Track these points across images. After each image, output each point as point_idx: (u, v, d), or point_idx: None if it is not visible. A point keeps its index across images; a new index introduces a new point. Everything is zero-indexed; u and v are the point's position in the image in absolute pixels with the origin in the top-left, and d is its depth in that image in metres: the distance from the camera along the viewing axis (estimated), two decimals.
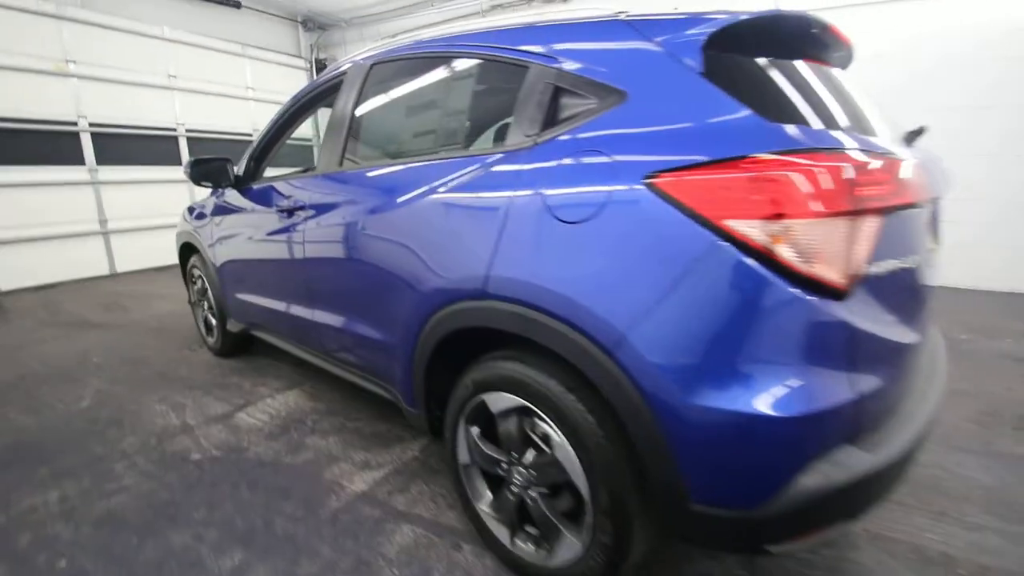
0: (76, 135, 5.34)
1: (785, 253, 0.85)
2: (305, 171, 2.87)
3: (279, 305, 2.29)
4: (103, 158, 5.55)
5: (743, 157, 0.87)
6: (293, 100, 2.33)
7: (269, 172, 2.65)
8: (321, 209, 1.86)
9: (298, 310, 2.14)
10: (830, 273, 0.87)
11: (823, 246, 0.86)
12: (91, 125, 5.42)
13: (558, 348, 1.09)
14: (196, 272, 3.11)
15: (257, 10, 7.10)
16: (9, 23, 4.83)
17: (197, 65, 6.34)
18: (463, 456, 1.43)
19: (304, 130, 7.92)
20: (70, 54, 5.21)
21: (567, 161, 1.11)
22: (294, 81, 7.69)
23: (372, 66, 1.84)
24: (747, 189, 0.86)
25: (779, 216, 0.85)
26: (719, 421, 0.90)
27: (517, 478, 1.28)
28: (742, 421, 0.88)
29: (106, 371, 2.93)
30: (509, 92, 1.35)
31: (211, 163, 2.47)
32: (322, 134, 2.37)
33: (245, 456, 2.01)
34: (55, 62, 5.12)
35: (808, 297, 0.86)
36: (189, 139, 6.32)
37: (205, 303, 3.13)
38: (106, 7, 5.57)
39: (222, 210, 2.67)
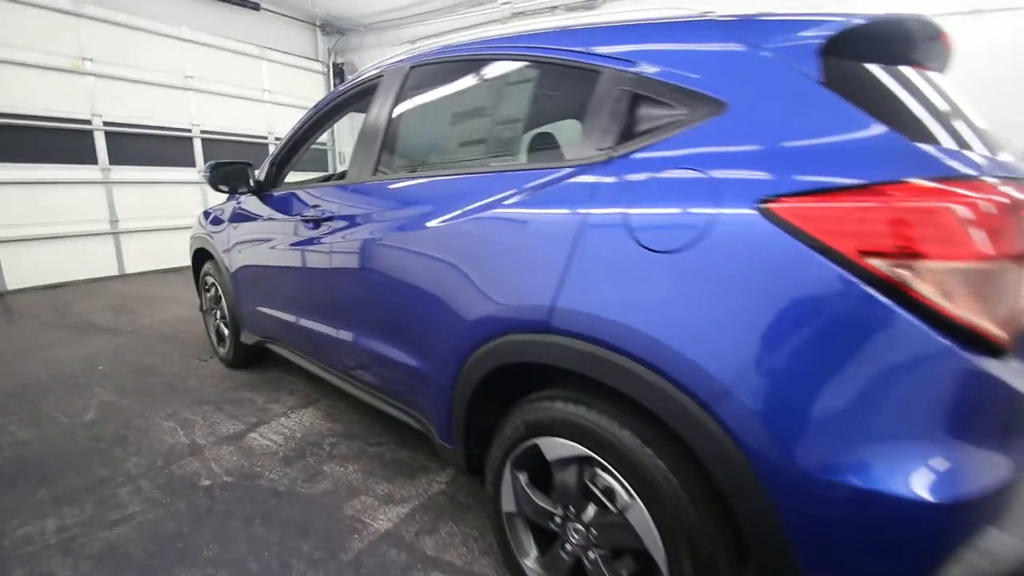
0: (90, 134, 5.26)
1: (937, 297, 0.71)
2: (327, 179, 2.77)
3: (299, 320, 2.15)
4: (116, 158, 5.46)
5: (892, 183, 0.73)
6: (321, 104, 2.21)
7: (290, 178, 2.53)
8: (352, 221, 1.72)
9: (320, 327, 2.00)
10: (990, 323, 0.72)
11: (984, 290, 0.71)
12: (105, 124, 5.34)
13: (638, 396, 0.94)
14: (210, 279, 2.98)
15: (276, 12, 7.04)
16: (26, 19, 4.76)
17: (214, 66, 6.27)
18: (507, 504, 1.28)
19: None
20: (86, 52, 5.15)
21: (653, 178, 0.96)
22: (311, 85, 7.63)
23: (411, 69, 1.71)
24: (897, 222, 0.71)
25: (933, 255, 0.70)
26: (847, 500, 0.75)
27: (574, 536, 1.13)
28: (879, 502, 0.73)
29: (113, 380, 2.80)
30: (574, 100, 1.22)
31: (231, 167, 2.35)
32: (338, 140, 2.26)
33: (259, 484, 1.86)
34: (71, 59, 5.04)
35: (963, 352, 0.71)
36: (204, 141, 6.24)
37: (218, 312, 3.00)
38: (124, 5, 5.51)
39: (240, 216, 2.55)
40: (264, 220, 2.35)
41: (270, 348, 2.58)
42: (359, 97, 2.06)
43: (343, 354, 1.91)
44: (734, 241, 0.83)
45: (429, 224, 1.40)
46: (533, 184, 1.18)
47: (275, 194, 2.36)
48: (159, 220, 5.92)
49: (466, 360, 1.30)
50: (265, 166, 2.45)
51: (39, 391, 2.66)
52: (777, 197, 0.80)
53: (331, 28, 7.66)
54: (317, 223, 1.89)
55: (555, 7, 5.85)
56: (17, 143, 4.77)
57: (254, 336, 2.65)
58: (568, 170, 1.13)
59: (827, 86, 0.85)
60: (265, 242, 2.33)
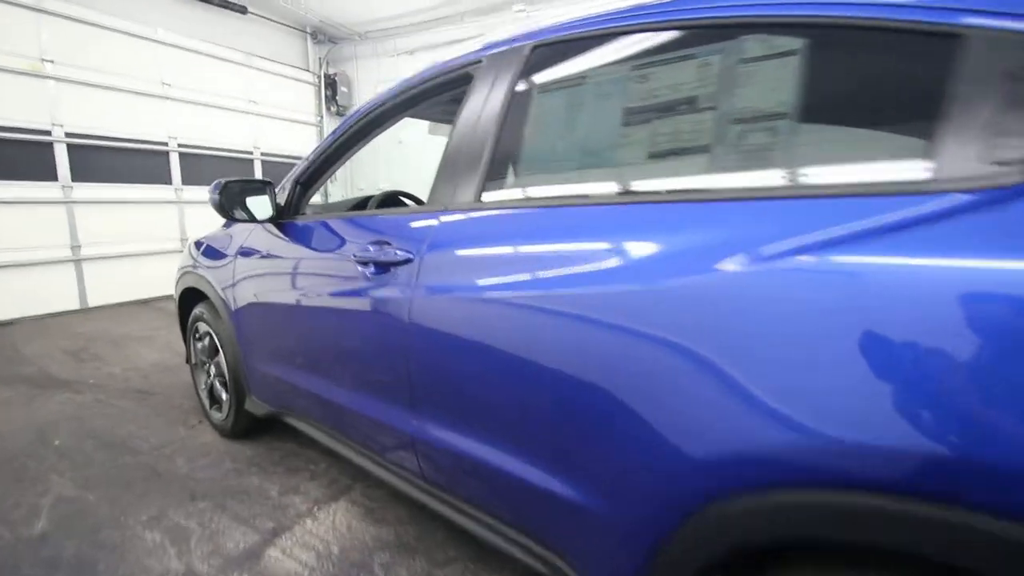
0: (49, 146, 4.56)
1: None
2: (361, 205, 2.20)
3: (345, 398, 1.57)
4: (80, 174, 4.76)
5: None
6: (367, 108, 1.66)
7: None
8: (458, 267, 1.17)
9: (380, 411, 1.43)
10: None
11: None
12: (68, 135, 4.65)
13: None
14: (203, 327, 2.36)
15: (264, 17, 6.46)
16: None
17: (195, 73, 5.63)
18: None
19: (303, 145, 7.25)
20: (47, 52, 4.48)
21: None
22: (301, 96, 7.03)
23: (535, 49, 1.19)
24: None
25: None
26: None
27: None
28: None
29: (74, 462, 2.14)
30: (899, 83, 0.72)
31: (247, 186, 1.77)
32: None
33: None
34: (29, 60, 4.36)
35: None
36: (182, 155, 5.57)
37: (212, 368, 2.38)
38: (93, 2, 4.86)
39: (252, 250, 1.96)
40: (288, 257, 1.78)
41: (289, 423, 1.98)
42: (430, 96, 1.53)
43: (418, 452, 1.34)
44: None
45: (623, 279, 0.87)
46: (874, 221, 0.66)
47: (301, 223, 1.79)
48: (128, 245, 5.20)
49: (691, 513, 0.77)
50: (286, 186, 1.89)
51: None
52: None
53: (323, 36, 7.11)
54: (384, 267, 1.33)
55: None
56: None
57: (265, 405, 2.04)
58: (945, 199, 0.62)
59: None
60: (289, 285, 1.75)
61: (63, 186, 4.67)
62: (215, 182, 1.72)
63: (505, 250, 1.10)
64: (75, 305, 4.91)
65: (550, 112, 1.19)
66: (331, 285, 1.54)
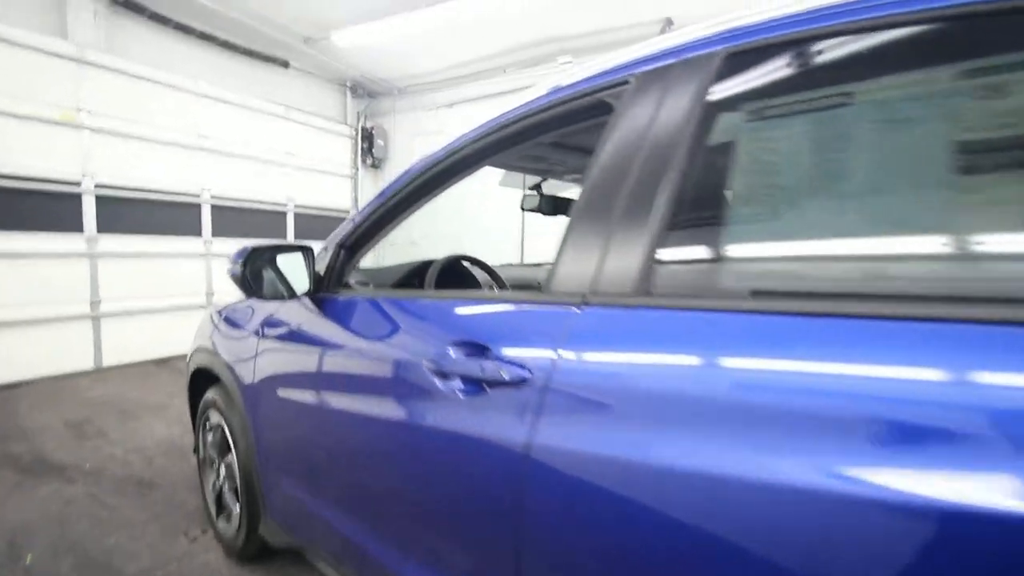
0: (77, 197, 4.36)
1: None
2: (419, 272, 1.78)
3: (400, 555, 1.08)
4: (106, 225, 4.53)
5: None
6: (439, 157, 1.25)
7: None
8: (606, 401, 0.71)
9: None
10: None
11: None
12: (97, 186, 4.45)
13: None
14: (214, 417, 1.92)
15: (305, 71, 6.41)
16: (16, 62, 3.97)
17: (232, 125, 5.50)
18: None
19: (337, 198, 7.05)
20: (84, 102, 4.34)
21: None
22: (338, 149, 6.89)
23: (730, 57, 0.76)
24: None
25: None
26: None
27: None
28: None
29: None
30: None
31: (278, 255, 1.36)
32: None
33: None
34: (63, 110, 4.22)
35: None
36: (214, 207, 5.35)
37: (223, 468, 1.92)
38: (135, 54, 4.79)
39: (279, 330, 1.53)
40: (327, 345, 1.34)
41: (313, 564, 1.49)
42: (529, 138, 1.12)
43: None
44: None
45: None
46: None
47: (345, 298, 1.37)
48: (151, 300, 4.90)
49: None
50: (328, 250, 1.48)
51: None
52: None
53: (362, 90, 7.04)
54: (478, 384, 0.87)
55: None
56: None
57: (284, 534, 1.56)
58: None
59: None
60: (327, 385, 1.31)
61: (88, 238, 4.43)
62: (239, 249, 1.31)
63: (711, 382, 0.63)
64: (89, 365, 4.56)
65: (780, 153, 0.75)
66: (388, 395, 1.09)
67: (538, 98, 1.07)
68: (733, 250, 0.77)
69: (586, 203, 0.86)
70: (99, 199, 4.47)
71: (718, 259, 0.78)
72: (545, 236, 5.74)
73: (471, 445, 0.86)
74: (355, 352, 1.23)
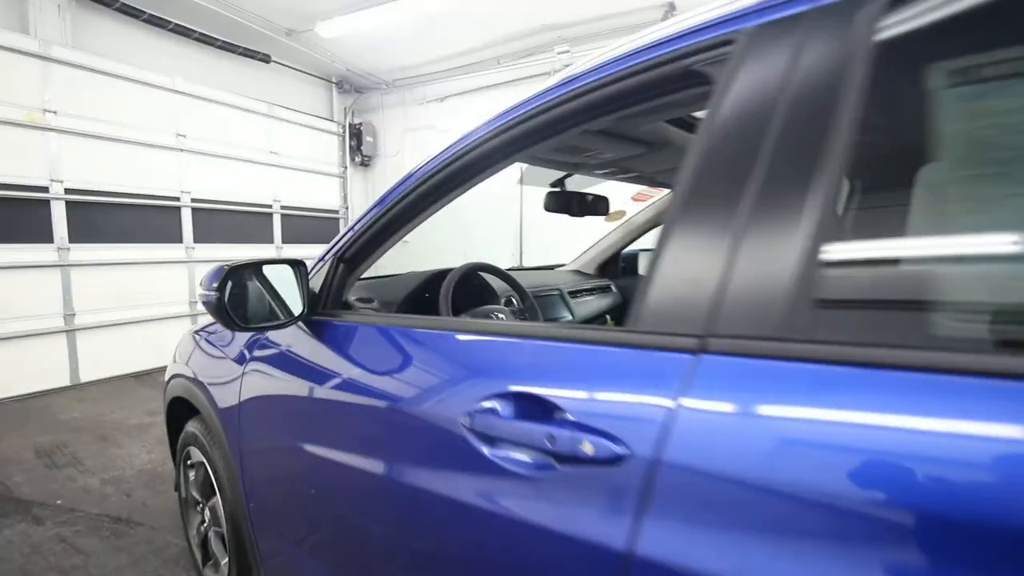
0: (46, 204, 4.06)
1: None
2: (435, 282, 1.55)
3: None
4: (78, 233, 4.24)
5: None
6: (459, 151, 1.01)
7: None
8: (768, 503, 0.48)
9: None
10: None
11: None
12: (68, 192, 4.15)
13: None
14: (196, 454, 1.69)
15: (288, 67, 6.11)
16: None
17: (212, 124, 5.21)
18: None
19: (326, 197, 6.77)
20: (50, 103, 4.03)
21: None
22: (324, 146, 6.61)
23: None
24: None
25: None
26: None
27: None
28: None
29: None
30: None
31: (263, 273, 1.13)
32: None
33: None
34: (28, 111, 3.92)
35: None
36: (195, 211, 5.06)
37: (207, 512, 1.69)
38: (105, 50, 4.49)
39: (275, 364, 1.30)
40: (328, 378, 1.11)
41: None
42: (580, 121, 0.89)
43: None
44: None
45: None
46: None
47: (347, 323, 1.14)
48: (130, 311, 4.62)
49: None
50: (325, 263, 1.25)
51: None
52: None
53: (349, 85, 6.76)
54: (545, 457, 0.65)
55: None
56: None
57: None
58: None
59: None
60: (329, 428, 1.08)
61: (59, 248, 4.13)
62: (212, 270, 1.06)
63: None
64: (65, 381, 4.28)
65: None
66: (413, 458, 0.86)
67: (582, 75, 0.85)
68: (949, 274, 0.54)
69: (692, 205, 0.62)
70: (70, 205, 4.18)
71: (922, 286, 0.55)
72: (544, 234, 5.52)
73: (536, 541, 0.64)
74: (364, 395, 1.00)
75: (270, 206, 5.85)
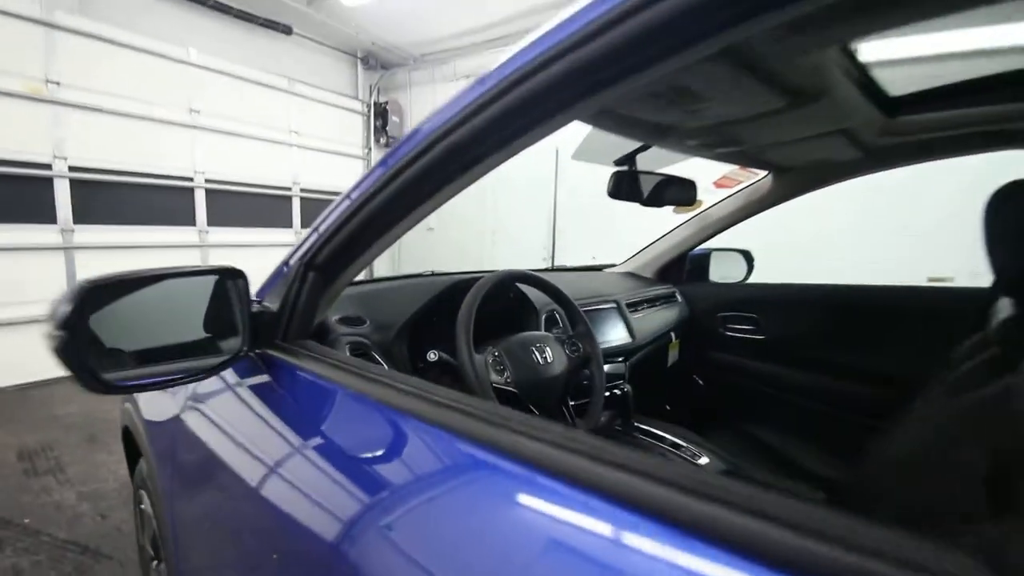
0: (48, 182, 3.80)
1: None
2: (451, 295, 1.11)
3: None
4: (83, 214, 3.98)
5: None
6: (485, 90, 0.58)
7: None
8: None
9: None
10: None
11: None
12: (72, 169, 3.88)
13: None
14: (146, 501, 1.32)
15: (311, 39, 5.74)
16: None
17: (229, 100, 4.89)
18: None
19: (347, 180, 6.44)
20: (54, 73, 3.75)
21: None
22: (348, 126, 6.25)
23: None
24: None
25: None
26: None
27: None
28: None
29: None
30: None
31: (168, 285, 0.72)
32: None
33: None
34: (29, 81, 3.64)
35: None
36: (209, 192, 4.77)
37: (163, 567, 1.33)
38: (114, 17, 4.17)
39: (210, 395, 0.91)
40: (280, 458, 0.71)
41: None
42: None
43: None
44: None
45: None
46: None
47: (317, 378, 0.73)
48: None
49: None
50: (286, 275, 0.84)
51: None
52: None
53: (375, 61, 6.36)
54: None
55: None
56: None
57: None
58: None
59: None
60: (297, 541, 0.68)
61: (63, 229, 3.88)
62: (67, 291, 0.65)
63: None
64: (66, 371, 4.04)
65: None
66: None
67: None
68: None
69: None
70: (74, 184, 3.91)
71: None
72: (585, 226, 5.04)
73: None
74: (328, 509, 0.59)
75: (289, 188, 5.53)
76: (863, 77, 0.94)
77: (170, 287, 0.74)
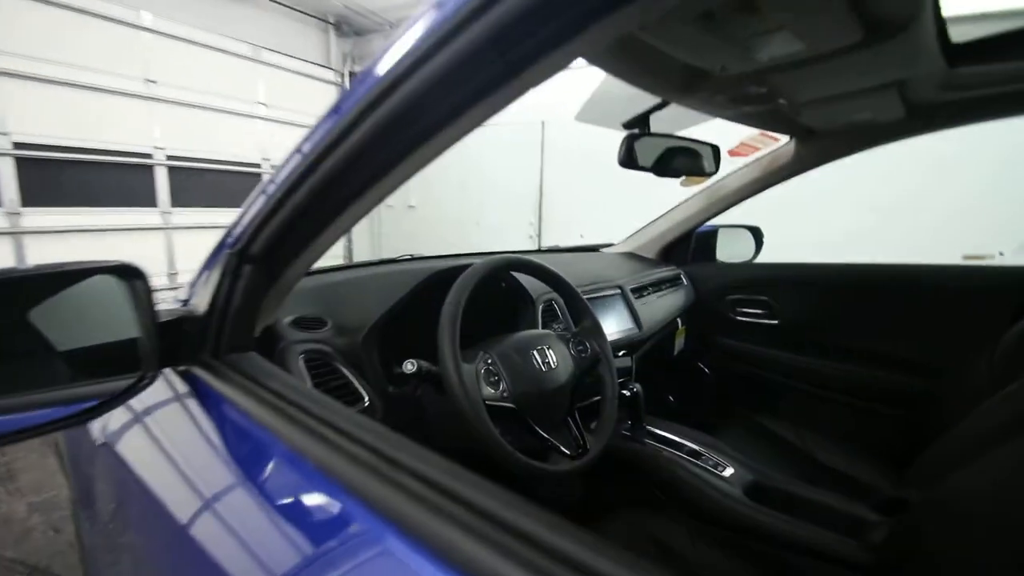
0: None
1: None
2: (442, 283, 0.93)
3: None
4: (31, 196, 3.66)
5: None
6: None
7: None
8: None
9: None
10: None
11: None
12: (17, 146, 3.55)
13: None
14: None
15: (278, 2, 5.34)
16: None
17: (189, 69, 4.53)
18: None
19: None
20: None
21: None
22: (321, 97, 5.90)
23: None
24: None
25: None
26: None
27: None
28: None
29: None
30: None
31: (49, 293, 0.53)
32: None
33: None
34: None
35: None
36: (171, 169, 4.45)
37: None
38: None
39: (132, 420, 0.72)
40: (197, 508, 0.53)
41: None
42: None
43: None
44: None
45: None
46: None
47: (253, 404, 0.54)
48: None
49: None
50: (212, 271, 0.65)
51: None
52: None
53: (348, 27, 5.99)
54: None
55: None
56: None
57: None
58: None
59: None
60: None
61: (8, 212, 3.57)
62: None
63: None
64: None
65: None
66: None
67: None
68: None
69: None
70: (20, 162, 3.58)
71: None
72: (572, 201, 4.83)
73: None
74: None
75: (259, 165, 5.21)
76: (938, 17, 0.76)
77: (45, 292, 0.55)
